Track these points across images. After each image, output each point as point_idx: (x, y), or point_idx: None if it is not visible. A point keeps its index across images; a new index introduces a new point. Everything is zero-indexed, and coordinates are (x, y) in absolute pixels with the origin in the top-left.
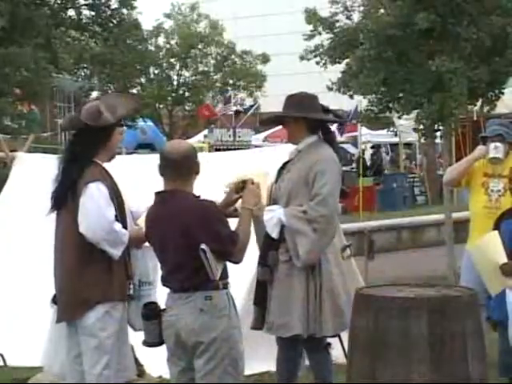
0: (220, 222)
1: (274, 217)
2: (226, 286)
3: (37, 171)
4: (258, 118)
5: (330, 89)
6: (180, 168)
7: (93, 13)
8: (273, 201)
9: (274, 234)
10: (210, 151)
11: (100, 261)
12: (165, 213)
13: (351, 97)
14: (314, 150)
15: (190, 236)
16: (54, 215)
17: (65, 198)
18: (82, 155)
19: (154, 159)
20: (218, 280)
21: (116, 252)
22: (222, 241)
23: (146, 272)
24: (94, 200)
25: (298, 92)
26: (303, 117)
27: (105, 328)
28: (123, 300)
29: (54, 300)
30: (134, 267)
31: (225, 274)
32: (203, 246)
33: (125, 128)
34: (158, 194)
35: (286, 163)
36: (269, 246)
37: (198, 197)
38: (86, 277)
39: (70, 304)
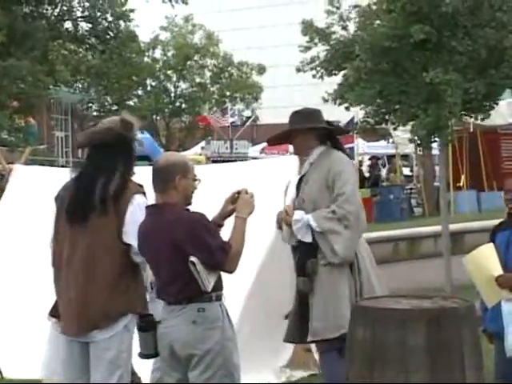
0: (208, 233)
1: (302, 225)
2: (219, 298)
3: (34, 183)
4: (255, 131)
5: (326, 100)
6: (166, 179)
7: (90, 25)
8: None
9: (308, 239)
10: (207, 163)
11: (131, 271)
12: (155, 226)
13: (347, 109)
14: (327, 156)
15: (180, 249)
16: (51, 226)
17: (95, 209)
18: (112, 167)
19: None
20: (210, 292)
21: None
22: (211, 252)
23: None
24: (142, 211)
25: (303, 108)
26: (313, 128)
27: (123, 341)
28: (142, 312)
29: (52, 313)
30: (146, 275)
31: (218, 286)
32: (192, 259)
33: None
34: (148, 207)
35: (302, 177)
36: (305, 255)
37: (188, 210)
38: (119, 288)
39: (93, 317)
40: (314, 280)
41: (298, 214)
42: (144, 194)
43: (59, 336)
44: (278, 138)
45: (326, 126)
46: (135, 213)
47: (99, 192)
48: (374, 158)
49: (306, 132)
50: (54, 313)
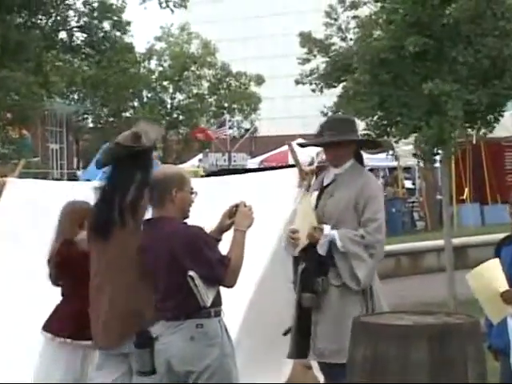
0: (207, 247)
1: (325, 242)
2: (218, 314)
3: (28, 197)
4: (254, 143)
5: (325, 114)
6: (163, 192)
7: (85, 35)
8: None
9: (322, 252)
10: (203, 176)
11: None
12: (152, 241)
13: None
14: (357, 173)
15: (178, 263)
16: (45, 240)
17: (115, 223)
18: (128, 180)
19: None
20: (209, 307)
21: None
22: (210, 266)
23: None
24: None
25: (341, 115)
26: (354, 141)
27: None
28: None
29: (46, 328)
30: None
31: (217, 301)
32: (191, 273)
33: (156, 153)
34: (145, 221)
35: (324, 187)
36: (314, 272)
37: (185, 223)
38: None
39: (124, 327)
40: (321, 298)
41: (326, 229)
42: None
43: (57, 351)
44: (317, 144)
45: (372, 140)
46: None
47: (117, 206)
48: (371, 171)
49: (350, 143)
50: (48, 328)
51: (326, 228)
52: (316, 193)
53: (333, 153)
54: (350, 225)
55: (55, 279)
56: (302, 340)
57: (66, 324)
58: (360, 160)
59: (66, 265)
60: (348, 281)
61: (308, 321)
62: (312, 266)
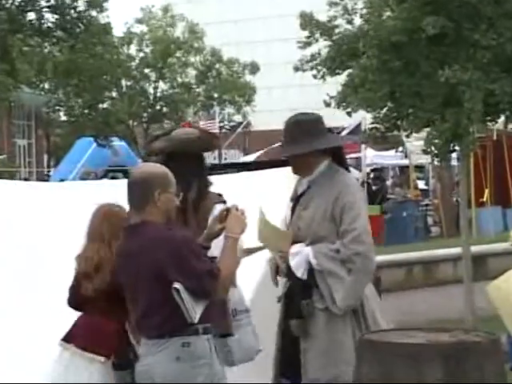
0: (194, 256)
1: (301, 260)
2: (207, 331)
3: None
4: (248, 138)
5: (328, 104)
6: (144, 193)
7: (56, 16)
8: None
9: (299, 274)
10: None
11: None
12: (132, 249)
13: (349, 114)
14: (333, 177)
15: (162, 274)
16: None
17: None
18: (192, 176)
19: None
20: (197, 324)
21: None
22: (198, 277)
23: (240, 299)
24: None
25: (298, 115)
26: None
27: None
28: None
29: (67, 339)
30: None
31: (206, 317)
32: (176, 285)
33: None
34: (124, 228)
35: (298, 197)
36: (298, 295)
37: (169, 229)
38: None
39: None
40: (309, 323)
41: (297, 247)
42: (225, 203)
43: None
44: (271, 165)
45: (333, 145)
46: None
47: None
48: (377, 170)
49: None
50: (69, 339)
51: (296, 247)
52: (289, 207)
53: (295, 165)
54: (330, 240)
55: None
56: (287, 370)
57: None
58: (339, 157)
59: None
60: (329, 304)
61: (295, 349)
62: (296, 288)
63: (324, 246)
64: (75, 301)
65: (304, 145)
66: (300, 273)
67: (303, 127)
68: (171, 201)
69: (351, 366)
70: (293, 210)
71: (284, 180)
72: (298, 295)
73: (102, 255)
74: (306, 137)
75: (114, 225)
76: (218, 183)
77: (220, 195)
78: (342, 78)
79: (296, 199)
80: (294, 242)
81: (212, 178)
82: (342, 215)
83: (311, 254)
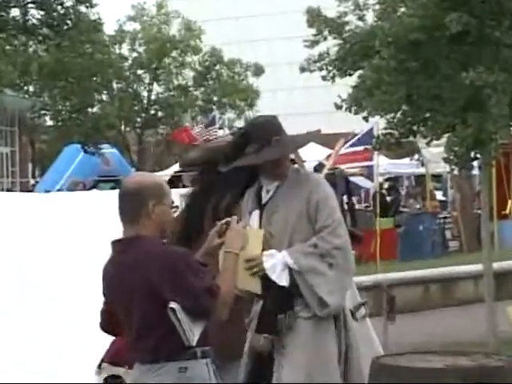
0: (191, 273)
1: (277, 262)
2: (205, 355)
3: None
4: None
5: (339, 107)
6: (137, 206)
7: (42, 12)
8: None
9: (284, 282)
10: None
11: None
12: (124, 265)
13: (365, 119)
14: (300, 177)
15: (156, 293)
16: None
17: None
18: (226, 186)
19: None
20: (195, 347)
21: None
22: (195, 296)
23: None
24: None
25: (260, 117)
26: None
27: None
28: None
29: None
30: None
31: (205, 340)
32: (172, 305)
33: None
34: (114, 243)
35: (265, 203)
36: (276, 308)
37: (164, 243)
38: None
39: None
40: (286, 337)
41: (270, 251)
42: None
43: None
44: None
45: (304, 143)
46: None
47: (211, 209)
48: (392, 180)
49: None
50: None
51: (272, 251)
52: (256, 214)
53: (268, 170)
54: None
55: None
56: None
57: None
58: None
59: None
60: (315, 307)
61: (264, 367)
62: (274, 301)
63: (299, 244)
64: (108, 324)
65: (285, 147)
66: (276, 277)
67: (275, 128)
68: (166, 213)
69: (336, 378)
70: (260, 219)
71: None
72: (275, 309)
73: None
74: (282, 138)
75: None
76: None
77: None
78: (353, 79)
79: (262, 205)
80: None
81: None
82: (316, 213)
83: (286, 253)
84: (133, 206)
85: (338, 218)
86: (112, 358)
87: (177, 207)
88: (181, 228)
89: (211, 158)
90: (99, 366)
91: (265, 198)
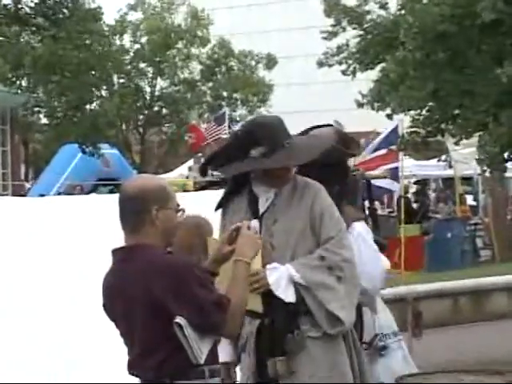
0: (199, 284)
1: (281, 276)
2: (214, 374)
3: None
4: None
5: (361, 105)
6: (139, 211)
7: (36, 0)
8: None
9: (291, 297)
10: (196, 190)
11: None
12: (125, 277)
13: (390, 117)
14: (296, 184)
15: (161, 307)
16: None
17: None
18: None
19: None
20: (203, 365)
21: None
22: (203, 310)
23: (388, 321)
24: (367, 242)
25: (260, 122)
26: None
27: None
28: None
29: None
30: (375, 318)
31: (213, 357)
32: (178, 320)
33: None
34: (115, 252)
35: (263, 212)
36: (280, 324)
37: (170, 252)
38: None
39: None
40: (297, 358)
41: (272, 264)
42: (365, 220)
43: None
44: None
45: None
46: (356, 245)
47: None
48: (421, 183)
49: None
50: None
51: (272, 264)
52: (255, 222)
53: (277, 175)
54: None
55: None
56: None
57: None
58: None
59: None
60: (324, 324)
61: None
62: (279, 319)
63: (303, 257)
64: None
65: (303, 152)
66: (282, 292)
67: (284, 130)
68: (171, 218)
69: None
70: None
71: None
72: (281, 328)
73: None
74: (293, 142)
75: (203, 238)
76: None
77: (360, 209)
78: (375, 73)
79: (261, 214)
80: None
81: (220, 191)
82: (321, 223)
83: (290, 266)
84: (134, 212)
85: (343, 229)
86: None
87: (183, 210)
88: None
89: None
90: None
91: (263, 206)
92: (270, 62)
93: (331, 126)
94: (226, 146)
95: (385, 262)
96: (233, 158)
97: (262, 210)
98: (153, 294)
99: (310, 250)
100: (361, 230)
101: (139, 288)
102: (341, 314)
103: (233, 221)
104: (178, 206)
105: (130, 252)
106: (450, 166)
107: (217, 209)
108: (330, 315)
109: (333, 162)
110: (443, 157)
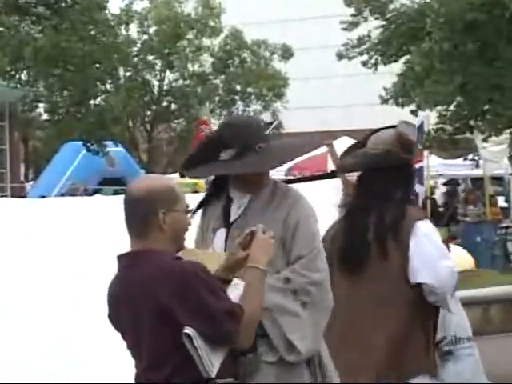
0: (210, 293)
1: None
2: None
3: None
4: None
5: (385, 101)
6: (145, 214)
7: None
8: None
9: None
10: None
11: (424, 321)
12: (131, 284)
13: (414, 113)
14: (275, 191)
15: (169, 316)
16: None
17: (370, 250)
18: (388, 194)
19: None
20: (214, 378)
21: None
22: (215, 320)
23: (463, 325)
24: (431, 241)
25: (231, 123)
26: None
27: None
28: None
29: None
30: (448, 320)
31: (226, 370)
32: (187, 330)
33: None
34: (120, 257)
35: (233, 221)
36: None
37: (179, 258)
38: (408, 345)
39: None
40: (245, 382)
41: (234, 280)
42: (428, 219)
43: None
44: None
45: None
46: (421, 244)
47: (374, 227)
48: (452, 183)
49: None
50: None
51: (237, 281)
52: (222, 232)
53: (249, 180)
54: (280, 268)
55: None
56: None
57: None
58: None
59: None
60: (282, 350)
61: None
62: None
63: (269, 277)
64: None
65: (273, 156)
66: None
67: (258, 132)
68: (180, 221)
69: None
70: (226, 238)
71: (329, 194)
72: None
73: None
74: (268, 145)
75: None
76: None
77: (421, 209)
78: (398, 66)
79: (230, 224)
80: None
81: None
82: (293, 239)
83: None
84: (140, 215)
85: (318, 247)
86: None
87: (192, 211)
88: (340, 247)
89: (367, 164)
90: None
91: (234, 214)
92: (286, 52)
93: (395, 127)
94: (199, 147)
95: (456, 261)
96: (204, 160)
97: (233, 217)
98: (159, 301)
99: (277, 269)
100: (426, 229)
101: (146, 295)
102: (299, 343)
103: (209, 225)
104: (187, 206)
105: (136, 258)
106: (477, 166)
107: (195, 211)
108: (287, 344)
109: (391, 167)
110: (471, 155)
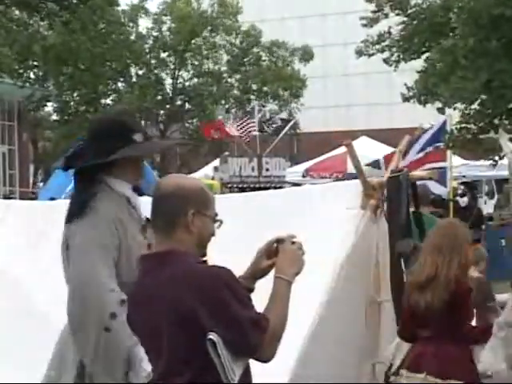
0: (236, 300)
1: None
2: None
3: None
4: (295, 143)
5: (407, 99)
6: (173, 213)
7: None
8: None
9: None
10: (222, 192)
11: None
12: (154, 285)
13: (441, 111)
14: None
15: (193, 320)
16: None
17: None
18: None
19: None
20: None
21: None
22: (240, 328)
23: None
24: None
25: (102, 119)
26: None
27: None
28: None
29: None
30: None
31: (247, 378)
32: (212, 336)
33: None
34: (143, 258)
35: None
36: None
37: (204, 261)
38: None
39: None
40: None
41: None
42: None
43: None
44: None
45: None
46: None
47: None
48: (467, 185)
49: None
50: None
51: None
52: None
53: (132, 171)
54: None
55: None
56: None
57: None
58: None
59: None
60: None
61: None
62: None
63: None
64: (405, 330)
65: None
66: None
67: (128, 126)
68: (208, 227)
69: None
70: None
71: (349, 197)
72: None
73: (437, 269)
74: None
75: (454, 239)
76: (260, 201)
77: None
78: (419, 64)
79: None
80: None
81: (251, 194)
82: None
83: None
84: (168, 212)
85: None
86: (411, 364)
87: (221, 222)
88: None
89: None
90: (396, 373)
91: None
92: (307, 54)
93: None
94: (89, 141)
95: None
96: (120, 144)
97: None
98: (185, 305)
99: None
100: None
101: (169, 297)
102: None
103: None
104: (216, 215)
105: (160, 258)
106: (495, 166)
107: None
108: None
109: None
110: (496, 156)
